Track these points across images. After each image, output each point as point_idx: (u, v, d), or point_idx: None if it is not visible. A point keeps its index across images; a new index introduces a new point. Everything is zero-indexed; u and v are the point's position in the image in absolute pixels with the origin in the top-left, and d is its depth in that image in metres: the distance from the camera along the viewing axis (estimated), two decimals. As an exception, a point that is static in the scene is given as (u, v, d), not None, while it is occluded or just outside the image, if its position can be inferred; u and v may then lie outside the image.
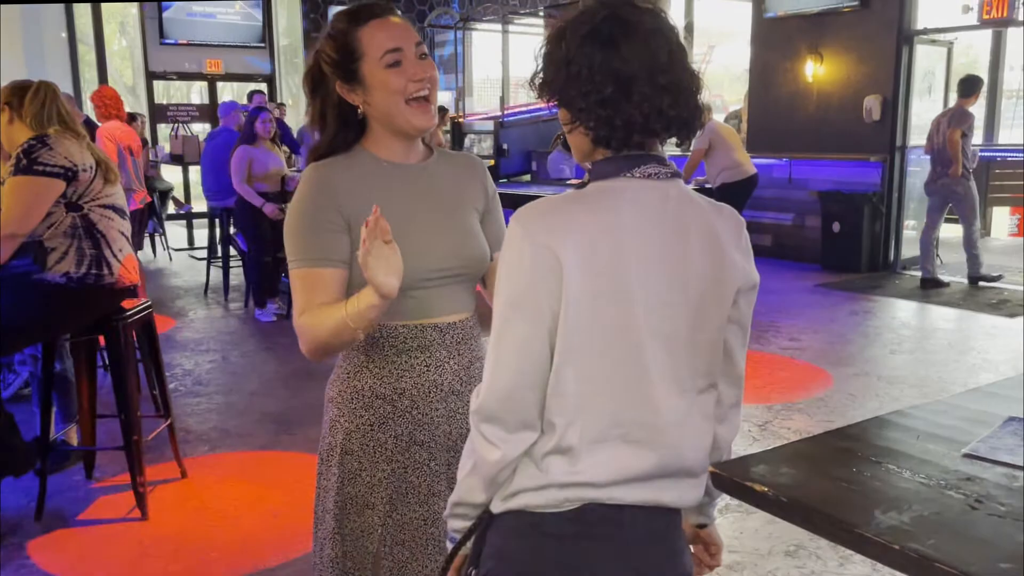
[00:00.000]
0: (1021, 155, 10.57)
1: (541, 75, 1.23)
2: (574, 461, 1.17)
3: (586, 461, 1.17)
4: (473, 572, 1.27)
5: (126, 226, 3.24)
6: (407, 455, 1.59)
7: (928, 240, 7.36)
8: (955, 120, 6.99)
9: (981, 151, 10.34)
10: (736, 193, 8.03)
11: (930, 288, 7.23)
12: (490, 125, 11.57)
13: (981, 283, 7.25)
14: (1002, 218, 10.59)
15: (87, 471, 3.60)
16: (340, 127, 1.57)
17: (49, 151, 2.89)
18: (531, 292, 1.14)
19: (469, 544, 1.29)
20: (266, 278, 6.36)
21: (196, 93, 16.08)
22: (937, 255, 8.46)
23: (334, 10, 13.18)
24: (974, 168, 7.22)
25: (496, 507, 1.23)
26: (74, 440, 3.68)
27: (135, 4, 12.21)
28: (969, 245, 7.31)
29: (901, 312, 6.60)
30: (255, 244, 6.22)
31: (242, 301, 7.00)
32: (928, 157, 7.32)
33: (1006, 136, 11.60)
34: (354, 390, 1.61)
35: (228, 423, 4.29)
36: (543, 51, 1.23)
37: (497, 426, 1.17)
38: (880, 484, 1.18)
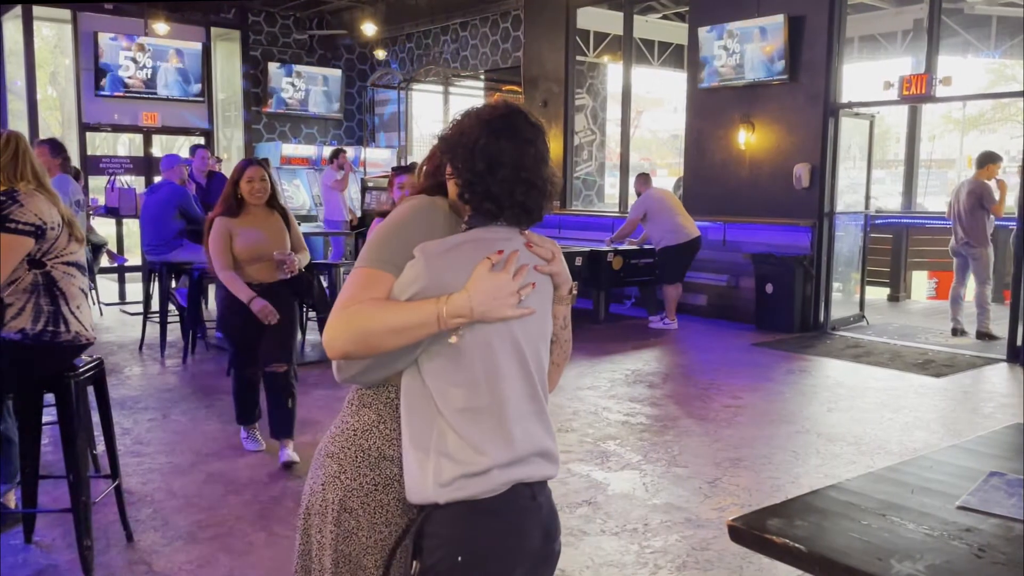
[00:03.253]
0: (937, 222, 11.18)
1: (447, 132, 1.62)
2: (502, 446, 1.52)
3: (512, 445, 1.53)
4: (416, 564, 1.52)
5: (85, 283, 3.18)
6: (406, 519, 1.61)
7: (957, 295, 8.11)
8: (973, 193, 7.70)
9: (900, 218, 10.91)
10: (678, 255, 8.31)
11: (985, 340, 7.74)
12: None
13: (987, 338, 7.76)
14: (920, 282, 11.12)
15: (26, 535, 3.44)
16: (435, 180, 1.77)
17: (20, 208, 2.83)
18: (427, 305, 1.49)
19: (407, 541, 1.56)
20: (248, 398, 4.64)
21: (123, 145, 15.84)
22: (864, 316, 8.84)
23: (274, 66, 13.24)
24: (991, 234, 7.91)
25: (441, 497, 1.49)
26: (12, 503, 3.53)
27: (70, 55, 12.02)
28: (981, 302, 7.83)
29: (834, 371, 6.83)
30: (237, 353, 4.58)
31: (179, 358, 6.84)
32: (950, 223, 8.02)
33: (930, 204, 12.27)
34: (360, 448, 1.63)
35: (173, 484, 4.16)
36: (455, 118, 1.63)
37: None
38: (889, 535, 1.25)
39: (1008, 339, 7.12)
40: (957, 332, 8.06)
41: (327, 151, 13.39)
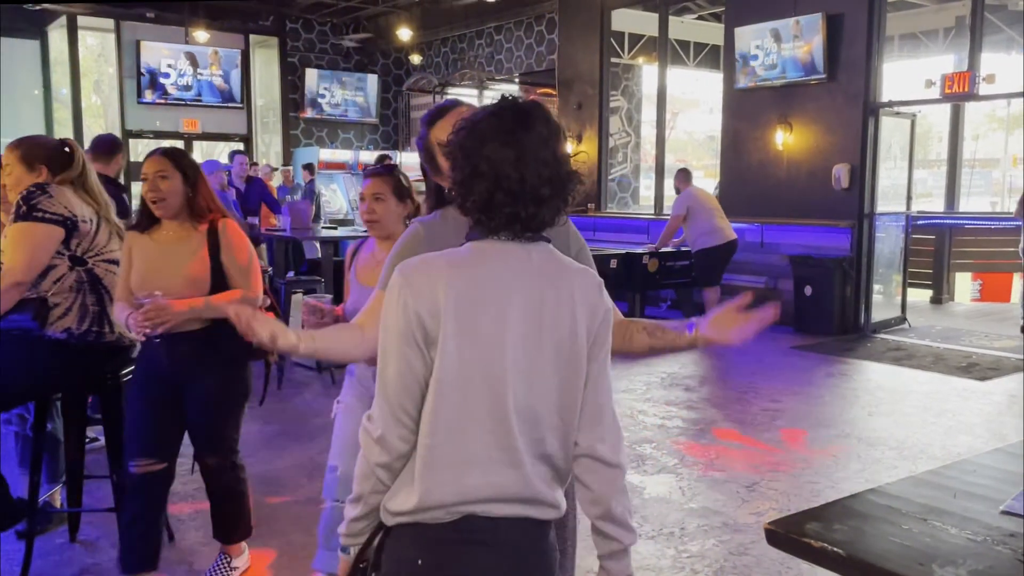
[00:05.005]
0: (981, 222, 10.95)
1: (453, 137, 1.49)
2: (451, 479, 1.40)
3: (463, 480, 1.40)
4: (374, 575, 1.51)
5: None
6: None
7: None
8: None
9: (943, 219, 10.70)
10: (715, 257, 8.22)
11: None
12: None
13: None
14: (964, 284, 10.90)
15: (71, 533, 3.51)
16: (438, 196, 1.95)
17: (49, 199, 2.89)
18: (408, 331, 1.39)
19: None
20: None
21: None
22: (905, 318, 8.69)
23: (311, 72, 13.39)
24: None
25: (388, 520, 1.45)
26: (57, 502, 3.60)
27: (113, 63, 12.28)
28: None
29: (875, 374, 6.72)
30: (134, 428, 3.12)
31: (219, 360, 6.93)
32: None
33: (965, 203, 12.03)
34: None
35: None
36: (462, 122, 1.49)
37: (383, 443, 1.42)
38: (930, 540, 1.23)
39: (1056, 342, 6.95)
40: None
41: (363, 156, 13.54)
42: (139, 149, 13.24)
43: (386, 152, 12.03)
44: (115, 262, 3.07)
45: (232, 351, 2.85)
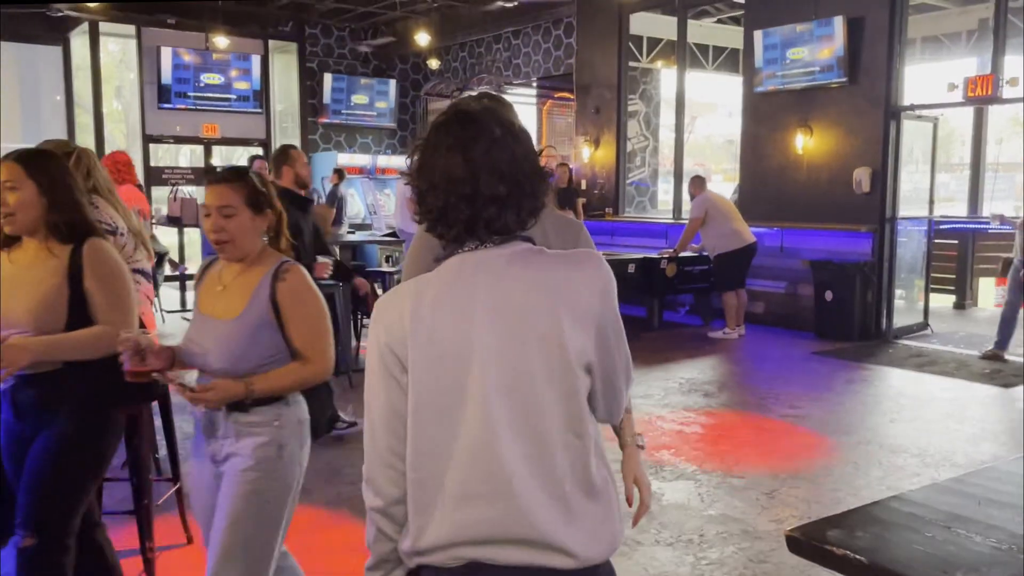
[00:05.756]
0: (1004, 227, 10.81)
1: (408, 160, 1.43)
2: (440, 517, 1.32)
3: (452, 516, 1.31)
4: None
5: (150, 290, 3.26)
6: None
7: None
8: None
9: (966, 223, 10.59)
10: (735, 261, 8.17)
11: None
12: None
13: None
14: (988, 289, 10.76)
15: None
16: None
17: (97, 210, 2.94)
18: (383, 369, 1.35)
19: None
20: None
21: (184, 156, 16.24)
22: (928, 324, 8.60)
23: (329, 77, 13.44)
24: None
25: (409, 562, 1.39)
26: None
27: (134, 69, 12.39)
28: None
29: (897, 380, 6.65)
30: None
31: (238, 364, 6.96)
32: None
33: (988, 208, 11.89)
34: None
35: (231, 488, 4.22)
36: (414, 141, 1.45)
37: (372, 486, 1.39)
38: (954, 548, 1.20)
39: (1082, 348, 6.85)
40: None
41: (381, 160, 13.57)
42: (159, 155, 13.36)
43: (258, 153, 11.95)
44: (138, 271, 3.10)
45: (87, 398, 2.40)
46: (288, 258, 2.35)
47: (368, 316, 7.38)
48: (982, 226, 10.63)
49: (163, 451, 4.05)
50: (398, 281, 9.11)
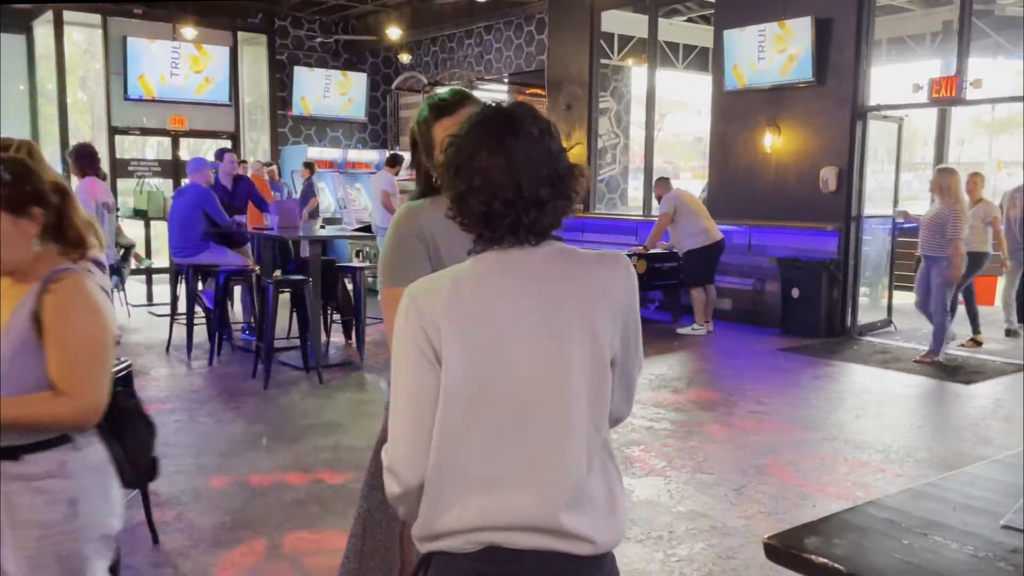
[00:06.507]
0: (910, 224, 11.02)
1: (443, 156, 1.42)
2: (461, 501, 1.33)
3: (473, 501, 1.33)
4: None
5: (105, 281, 3.19)
6: None
7: (1010, 298, 8.28)
8: None
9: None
10: (704, 258, 8.24)
11: (1011, 337, 8.06)
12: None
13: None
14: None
15: None
16: (427, 181, 1.98)
17: None
18: (418, 354, 1.34)
19: None
20: None
21: (151, 148, 16.01)
22: (891, 321, 8.74)
23: (299, 70, 13.32)
24: None
25: (422, 548, 1.39)
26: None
27: (100, 59, 12.18)
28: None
29: (861, 377, 6.75)
30: None
31: (205, 359, 6.89)
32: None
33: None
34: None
35: (199, 486, 4.19)
36: (450, 139, 1.42)
37: (394, 473, 1.37)
38: (932, 556, 1.22)
39: (1041, 346, 7.00)
40: (1011, 333, 8.15)
41: (352, 154, 13.48)
42: (125, 146, 13.14)
43: (227, 146, 11.69)
44: (93, 261, 3.03)
45: None
46: (69, 265, 1.88)
47: (337, 311, 7.34)
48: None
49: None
50: (372, 277, 9.06)
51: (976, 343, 7.61)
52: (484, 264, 1.39)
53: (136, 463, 2.03)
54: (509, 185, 1.34)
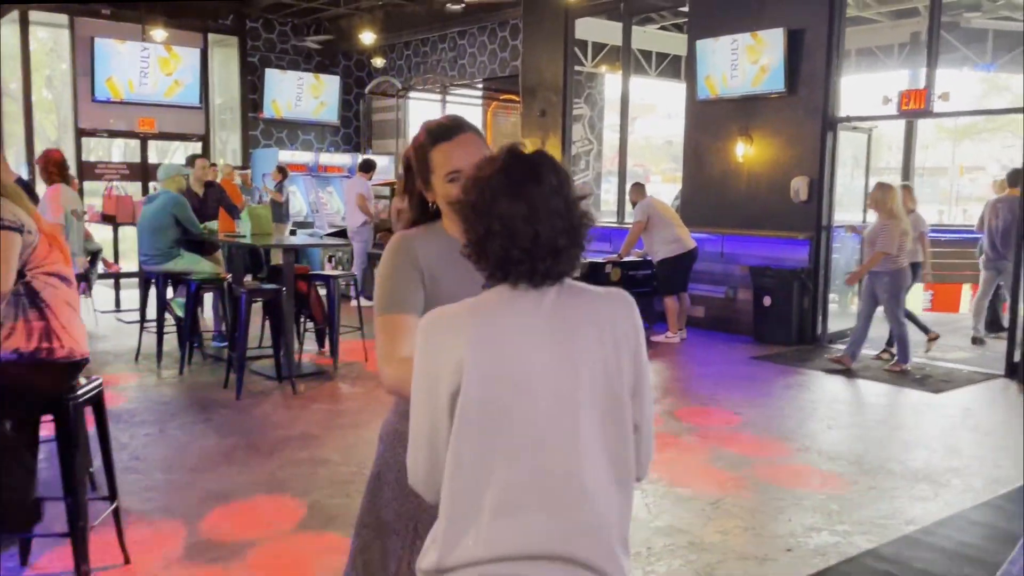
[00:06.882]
0: (933, 234, 11.18)
1: (463, 196, 1.45)
2: (475, 531, 1.34)
3: (488, 529, 1.33)
4: None
5: (73, 295, 3.11)
6: None
7: (982, 307, 8.44)
8: (1013, 211, 7.65)
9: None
10: (677, 266, 8.29)
11: (977, 345, 8.31)
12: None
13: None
14: (916, 294, 11.10)
15: (22, 557, 3.39)
16: (422, 207, 1.92)
17: None
18: (435, 386, 1.37)
19: None
20: None
21: (118, 148, 15.77)
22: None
23: (271, 72, 13.19)
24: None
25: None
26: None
27: (66, 59, 11.95)
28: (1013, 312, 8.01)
29: (832, 385, 6.82)
30: None
31: (176, 368, 6.79)
32: (981, 236, 8.36)
33: (921, 212, 12.25)
34: (396, 431, 1.87)
35: (171, 502, 4.12)
36: (471, 180, 1.45)
37: (418, 491, 1.45)
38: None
39: (1006, 355, 7.12)
40: (977, 341, 8.35)
41: (324, 158, 13.38)
42: (91, 147, 12.91)
43: (197, 152, 11.51)
44: (55, 275, 2.96)
45: None
46: None
47: (311, 319, 7.27)
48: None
49: (97, 462, 3.90)
50: (346, 285, 8.95)
51: (891, 355, 7.63)
52: (500, 296, 1.43)
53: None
54: (528, 233, 1.37)
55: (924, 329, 7.95)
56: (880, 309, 7.21)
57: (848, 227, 8.55)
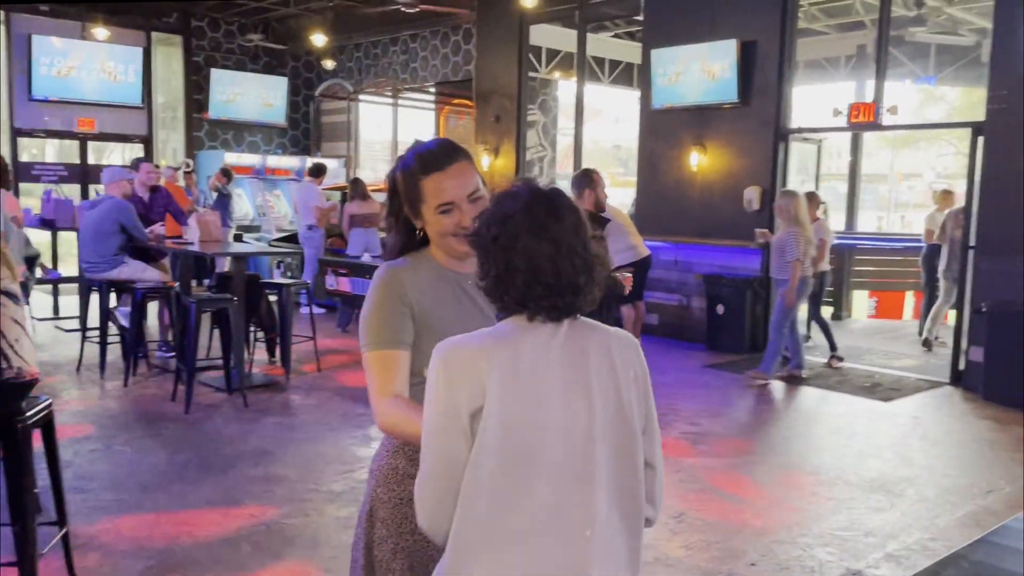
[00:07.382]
0: (878, 243, 11.47)
1: (484, 230, 1.46)
2: (487, 560, 1.36)
3: (501, 559, 1.35)
4: None
5: (20, 312, 2.97)
6: None
7: (939, 313, 8.62)
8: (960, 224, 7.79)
9: (841, 238, 11.14)
10: (632, 275, 8.28)
11: (926, 348, 8.64)
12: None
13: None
14: (861, 301, 11.37)
15: (-37, 588, 3.22)
16: (408, 234, 1.85)
17: None
18: (452, 416, 1.38)
19: None
20: None
21: (52, 147, 15.28)
22: (810, 336, 8.98)
23: (216, 72, 12.91)
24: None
25: None
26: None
27: (1, 57, 11.52)
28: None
29: (784, 394, 6.90)
30: None
31: (120, 380, 6.56)
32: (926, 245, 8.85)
33: (862, 218, 12.58)
34: (390, 467, 1.80)
35: (121, 524, 3.95)
36: (491, 215, 1.46)
37: (423, 527, 1.45)
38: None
39: (951, 363, 7.29)
40: (928, 344, 8.63)
41: (271, 160, 13.13)
42: (25, 146, 12.47)
43: (140, 156, 11.22)
44: (3, 292, 2.82)
45: None
46: None
47: (261, 328, 7.10)
48: (858, 241, 11.23)
49: (42, 482, 3.72)
50: (297, 293, 8.79)
51: (838, 359, 7.75)
52: (517, 326, 1.44)
53: None
54: (551, 270, 1.40)
55: (832, 345, 7.87)
56: (801, 313, 7.22)
57: (761, 233, 8.23)
